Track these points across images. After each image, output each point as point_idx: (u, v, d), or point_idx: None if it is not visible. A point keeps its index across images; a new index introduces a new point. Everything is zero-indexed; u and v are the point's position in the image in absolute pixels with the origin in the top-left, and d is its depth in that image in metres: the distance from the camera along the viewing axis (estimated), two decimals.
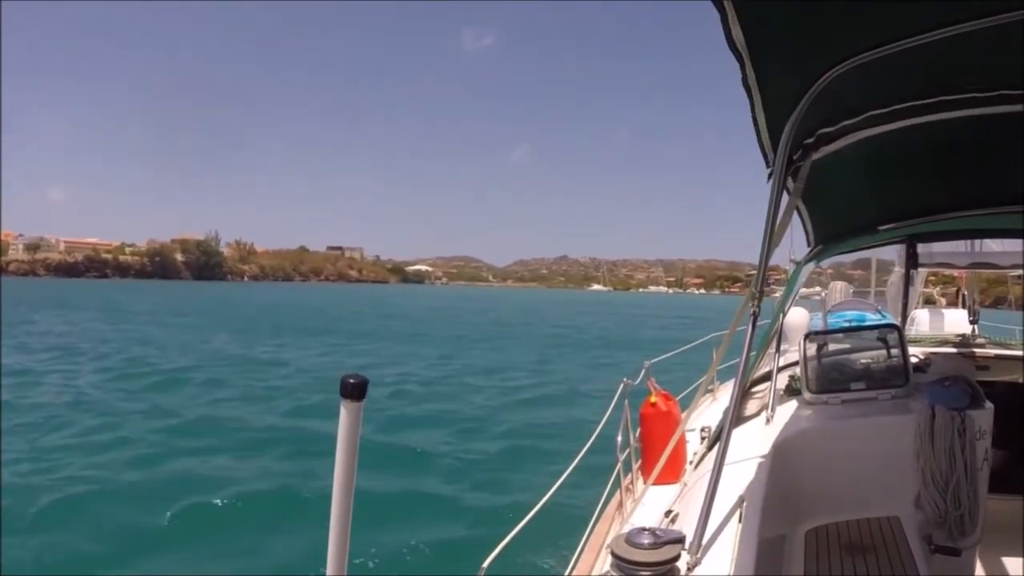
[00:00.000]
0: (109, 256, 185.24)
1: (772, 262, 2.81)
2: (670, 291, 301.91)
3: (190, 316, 46.71)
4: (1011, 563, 3.78)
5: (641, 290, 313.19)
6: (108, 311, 48.85)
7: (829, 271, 8.07)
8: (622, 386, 3.94)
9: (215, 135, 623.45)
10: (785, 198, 2.92)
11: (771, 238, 2.73)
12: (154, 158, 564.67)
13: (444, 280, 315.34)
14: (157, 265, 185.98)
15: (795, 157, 2.99)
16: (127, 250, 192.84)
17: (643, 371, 4.35)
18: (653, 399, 4.16)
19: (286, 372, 21.51)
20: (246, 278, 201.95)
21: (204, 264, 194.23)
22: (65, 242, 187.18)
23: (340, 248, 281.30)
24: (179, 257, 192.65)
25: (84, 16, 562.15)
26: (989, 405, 3.41)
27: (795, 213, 3.70)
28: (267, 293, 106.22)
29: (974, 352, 5.02)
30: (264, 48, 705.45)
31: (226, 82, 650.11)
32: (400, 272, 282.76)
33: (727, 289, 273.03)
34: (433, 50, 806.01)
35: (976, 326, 6.59)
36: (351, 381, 1.24)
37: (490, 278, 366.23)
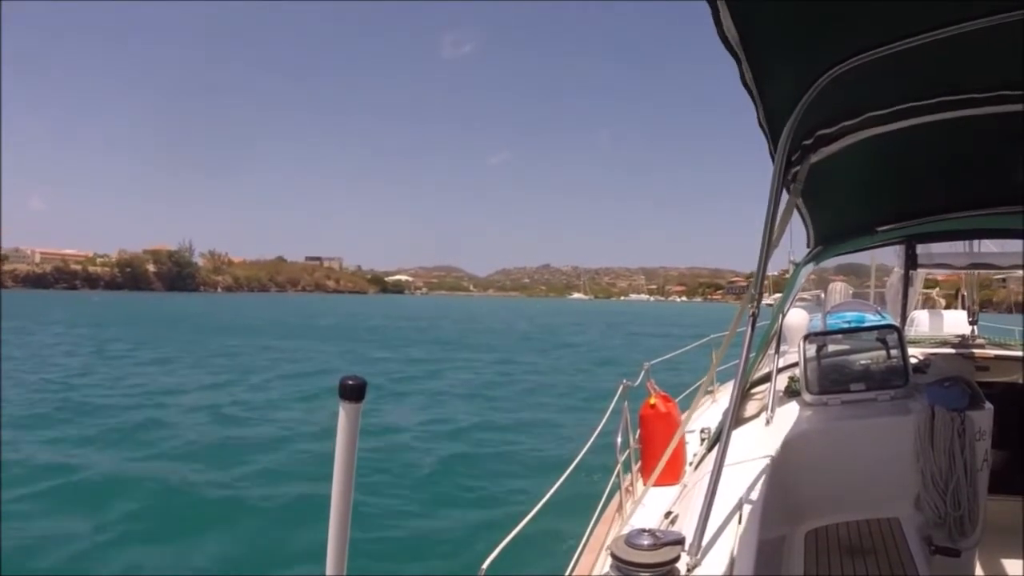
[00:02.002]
0: (79, 267, 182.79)
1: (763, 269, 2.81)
2: (651, 299, 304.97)
3: (87, 327, 45.13)
4: (1011, 564, 3.78)
5: (623, 298, 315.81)
6: (23, 319, 48.27)
7: (813, 276, 8.07)
8: (621, 387, 3.94)
9: (199, 145, 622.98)
10: (784, 199, 2.92)
11: (770, 239, 2.73)
12: (136, 169, 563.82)
13: (424, 290, 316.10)
14: (128, 276, 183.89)
15: (794, 158, 3.00)
16: (98, 261, 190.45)
17: (643, 372, 4.35)
18: (653, 400, 4.15)
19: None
20: (219, 289, 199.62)
21: (176, 275, 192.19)
22: (41, 253, 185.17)
23: (319, 258, 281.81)
24: (151, 268, 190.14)
25: (63, 17, 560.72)
26: (989, 406, 3.41)
27: (794, 214, 3.70)
28: (217, 304, 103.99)
29: (973, 353, 5.02)
30: (242, 57, 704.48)
31: (208, 92, 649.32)
32: (380, 282, 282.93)
33: (709, 296, 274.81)
34: (412, 59, 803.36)
35: (975, 327, 6.59)
36: (350, 383, 1.24)
37: (471, 288, 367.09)
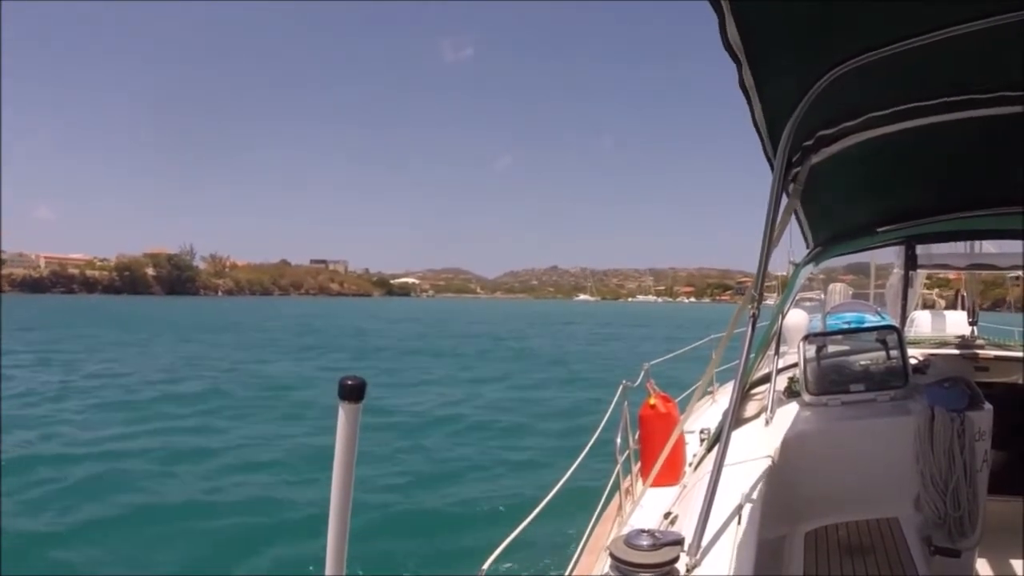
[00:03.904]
0: (76, 271, 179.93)
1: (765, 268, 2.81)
2: (659, 300, 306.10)
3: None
4: (1011, 564, 3.78)
5: (630, 299, 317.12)
6: None
7: (821, 276, 8.10)
8: (621, 388, 3.94)
9: (208, 150, 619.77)
10: (784, 200, 2.93)
11: (770, 240, 2.73)
12: (143, 175, 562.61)
13: (431, 292, 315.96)
14: (126, 280, 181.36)
15: (794, 159, 3.00)
16: (98, 264, 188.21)
17: (642, 373, 4.35)
18: (652, 401, 4.15)
19: None
20: (220, 293, 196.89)
21: (176, 279, 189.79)
22: (45, 258, 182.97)
23: (324, 261, 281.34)
24: (150, 272, 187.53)
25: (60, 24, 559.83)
26: (988, 406, 3.41)
27: (794, 215, 3.70)
28: (192, 308, 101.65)
29: (974, 353, 5.02)
30: (246, 61, 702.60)
31: (216, 97, 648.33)
32: (385, 285, 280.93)
33: (717, 297, 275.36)
34: (413, 63, 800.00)
35: (975, 327, 6.59)
36: (349, 383, 1.24)
37: (478, 290, 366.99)
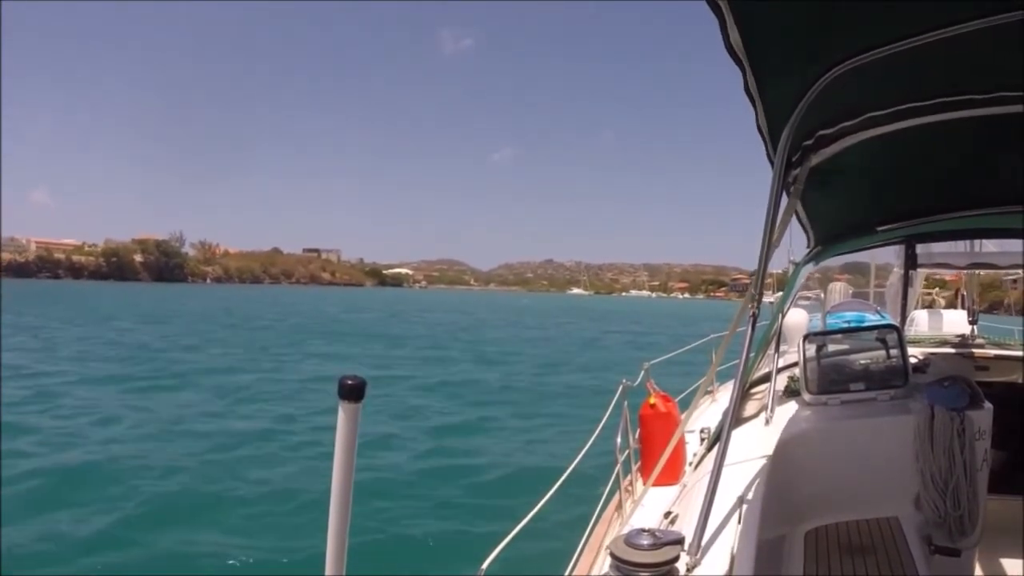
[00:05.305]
0: (62, 256, 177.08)
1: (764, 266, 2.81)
2: (653, 295, 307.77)
3: None
4: (1011, 564, 3.78)
5: (624, 294, 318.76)
6: None
7: (817, 275, 8.10)
8: (621, 387, 3.94)
9: (202, 140, 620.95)
10: (784, 199, 2.93)
11: (770, 239, 2.73)
12: (144, 163, 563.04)
13: (423, 283, 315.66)
14: (113, 266, 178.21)
15: (794, 159, 3.00)
16: (86, 249, 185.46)
17: (642, 372, 4.35)
18: (652, 400, 4.15)
19: None
20: (209, 280, 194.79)
21: (164, 265, 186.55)
22: (36, 243, 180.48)
23: (316, 250, 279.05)
24: (138, 258, 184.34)
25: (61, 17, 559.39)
26: (988, 405, 3.41)
27: (794, 214, 3.70)
28: (161, 294, 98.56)
29: (973, 352, 5.02)
30: (244, 51, 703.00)
31: (211, 87, 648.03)
32: (377, 275, 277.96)
33: (712, 293, 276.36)
34: (412, 53, 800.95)
35: (975, 326, 6.59)
36: (349, 382, 1.24)
37: (472, 282, 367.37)
